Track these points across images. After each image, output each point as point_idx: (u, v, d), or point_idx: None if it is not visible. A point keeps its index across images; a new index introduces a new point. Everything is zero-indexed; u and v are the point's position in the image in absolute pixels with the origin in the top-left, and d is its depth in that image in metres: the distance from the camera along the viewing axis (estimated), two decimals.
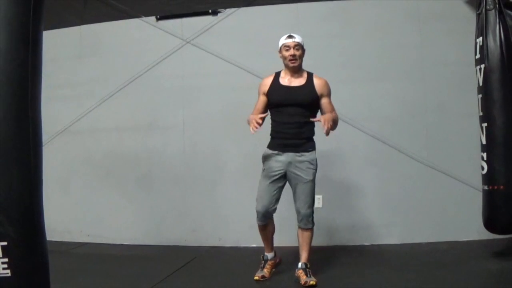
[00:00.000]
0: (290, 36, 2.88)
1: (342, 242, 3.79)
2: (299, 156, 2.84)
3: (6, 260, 1.78)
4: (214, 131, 4.07)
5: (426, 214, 3.76)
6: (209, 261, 3.54)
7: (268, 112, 2.92)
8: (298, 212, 2.87)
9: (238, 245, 3.88)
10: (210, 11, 4.09)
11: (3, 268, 1.78)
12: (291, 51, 2.85)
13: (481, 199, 3.19)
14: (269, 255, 2.99)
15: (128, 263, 3.51)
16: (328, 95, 2.91)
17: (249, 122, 2.74)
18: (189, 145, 4.14)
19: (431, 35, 3.80)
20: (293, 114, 2.84)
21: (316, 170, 2.88)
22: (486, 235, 3.34)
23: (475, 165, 3.30)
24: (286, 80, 2.92)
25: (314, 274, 2.84)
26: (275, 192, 2.89)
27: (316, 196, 3.78)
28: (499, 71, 3.02)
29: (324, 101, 2.89)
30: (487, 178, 3.09)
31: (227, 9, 4.07)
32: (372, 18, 3.89)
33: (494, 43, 3.02)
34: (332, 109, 2.88)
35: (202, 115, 4.09)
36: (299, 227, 2.90)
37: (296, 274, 2.85)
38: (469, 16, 3.53)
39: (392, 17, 3.87)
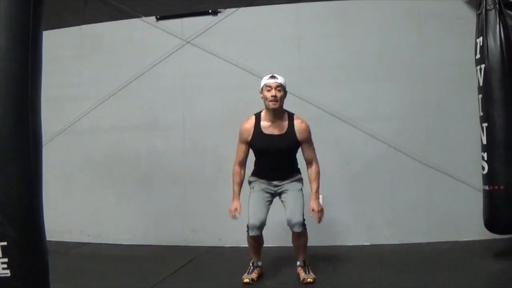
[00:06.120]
0: (272, 77, 2.85)
1: (342, 242, 3.79)
2: (286, 181, 2.94)
3: (5, 260, 1.78)
4: (214, 131, 4.07)
5: (426, 214, 3.76)
6: (209, 261, 3.54)
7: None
8: (290, 220, 2.85)
9: (238, 245, 3.87)
10: (210, 11, 4.09)
11: (3, 268, 1.78)
12: (273, 92, 2.79)
13: (481, 199, 3.19)
14: (259, 262, 3.01)
15: (128, 263, 3.52)
16: (309, 140, 2.92)
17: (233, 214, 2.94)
18: (189, 145, 4.14)
19: (431, 35, 3.79)
20: (277, 159, 2.90)
21: (303, 185, 2.97)
22: (486, 235, 3.34)
23: (475, 165, 3.30)
24: (268, 128, 2.88)
25: (314, 273, 2.88)
26: (268, 205, 2.95)
27: None
28: (499, 71, 3.02)
29: (304, 146, 2.92)
30: (488, 178, 3.08)
31: (227, 9, 4.07)
32: (372, 18, 3.89)
33: (494, 43, 3.03)
34: (313, 154, 2.92)
35: (202, 115, 4.09)
36: (294, 232, 2.90)
37: (297, 271, 2.93)
38: (469, 16, 3.53)
39: (392, 17, 3.87)
